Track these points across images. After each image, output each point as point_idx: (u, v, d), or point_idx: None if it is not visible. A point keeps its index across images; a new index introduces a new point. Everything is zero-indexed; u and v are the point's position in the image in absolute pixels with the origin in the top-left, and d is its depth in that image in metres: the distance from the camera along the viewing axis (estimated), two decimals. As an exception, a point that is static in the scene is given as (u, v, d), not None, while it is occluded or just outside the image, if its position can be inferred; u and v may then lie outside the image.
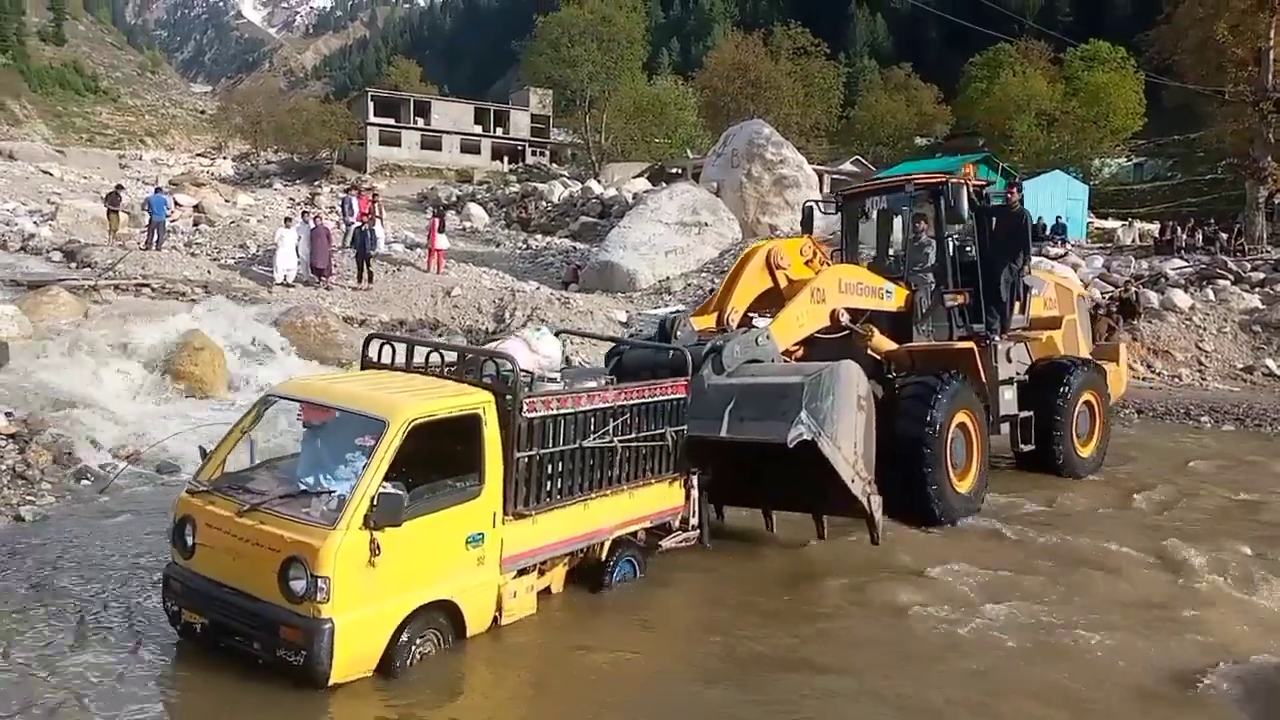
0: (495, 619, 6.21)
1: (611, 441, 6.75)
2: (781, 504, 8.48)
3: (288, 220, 23.23)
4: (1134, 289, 21.59)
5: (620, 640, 6.54)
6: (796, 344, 9.41)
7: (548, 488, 6.39)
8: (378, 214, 25.23)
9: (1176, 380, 19.33)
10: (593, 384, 7.11)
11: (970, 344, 10.22)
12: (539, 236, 32.48)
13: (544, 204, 38.69)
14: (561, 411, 6.41)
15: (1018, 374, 10.92)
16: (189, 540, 5.74)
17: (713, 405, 7.52)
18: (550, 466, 6.40)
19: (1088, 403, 11.62)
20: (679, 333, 8.24)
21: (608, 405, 6.78)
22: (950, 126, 64.04)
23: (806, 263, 10.07)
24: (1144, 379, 19.23)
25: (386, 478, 5.51)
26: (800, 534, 8.56)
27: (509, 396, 6.07)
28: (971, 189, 10.75)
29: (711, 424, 7.42)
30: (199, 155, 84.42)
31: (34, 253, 24.22)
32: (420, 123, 70.53)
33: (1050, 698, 5.85)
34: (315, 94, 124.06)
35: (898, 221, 11.63)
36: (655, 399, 7.18)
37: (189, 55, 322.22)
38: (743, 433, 7.37)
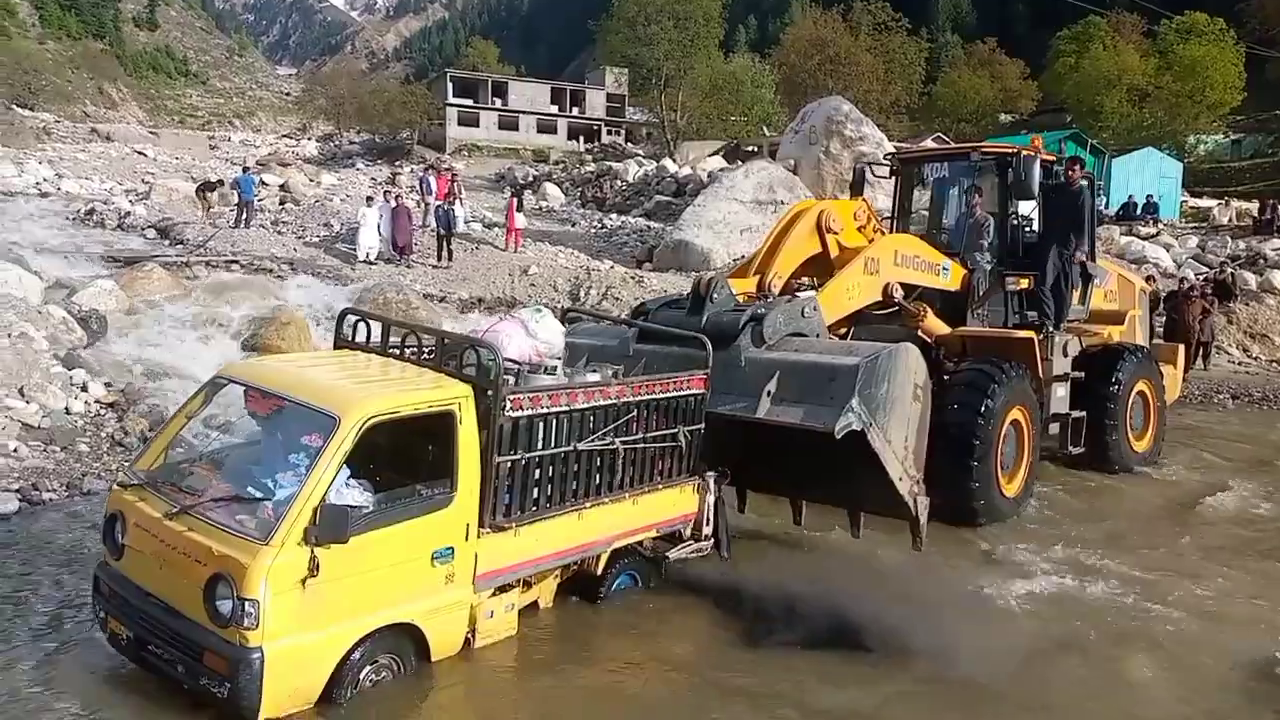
0: (468, 640, 5.52)
1: (612, 444, 5.96)
2: (813, 496, 7.65)
3: (370, 199, 23.70)
4: (1230, 270, 20.78)
5: (611, 666, 5.89)
6: (841, 319, 8.69)
7: (534, 496, 5.62)
8: (457, 193, 25.58)
9: (1276, 365, 18.58)
10: (594, 377, 6.26)
11: (1030, 334, 9.54)
12: (614, 215, 32.51)
13: (619, 183, 38.69)
14: (553, 410, 5.59)
15: (1071, 369, 10.10)
16: (118, 539, 5.13)
17: (749, 381, 6.65)
18: (538, 472, 5.61)
19: (1141, 393, 10.80)
20: (715, 295, 7.38)
21: (610, 402, 5.95)
22: (1037, 103, 62.27)
23: (859, 228, 9.34)
24: (1240, 364, 18.55)
25: (355, 479, 4.95)
26: (830, 529, 7.81)
27: (490, 392, 5.29)
28: (1043, 163, 9.98)
29: (745, 402, 6.57)
30: (285, 136, 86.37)
31: (130, 230, 25.13)
32: (498, 103, 71.12)
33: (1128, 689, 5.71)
34: (396, 75, 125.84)
35: (954, 193, 10.82)
36: (667, 395, 6.31)
37: (274, 38, 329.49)
38: (783, 416, 6.45)
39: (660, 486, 6.45)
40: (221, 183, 29.04)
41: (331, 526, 4.57)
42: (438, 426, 5.21)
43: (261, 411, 5.40)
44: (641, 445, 6.20)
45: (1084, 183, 10.46)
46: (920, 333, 9.15)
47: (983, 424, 8.32)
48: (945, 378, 8.70)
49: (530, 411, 5.47)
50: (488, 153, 62.14)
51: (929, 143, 38.74)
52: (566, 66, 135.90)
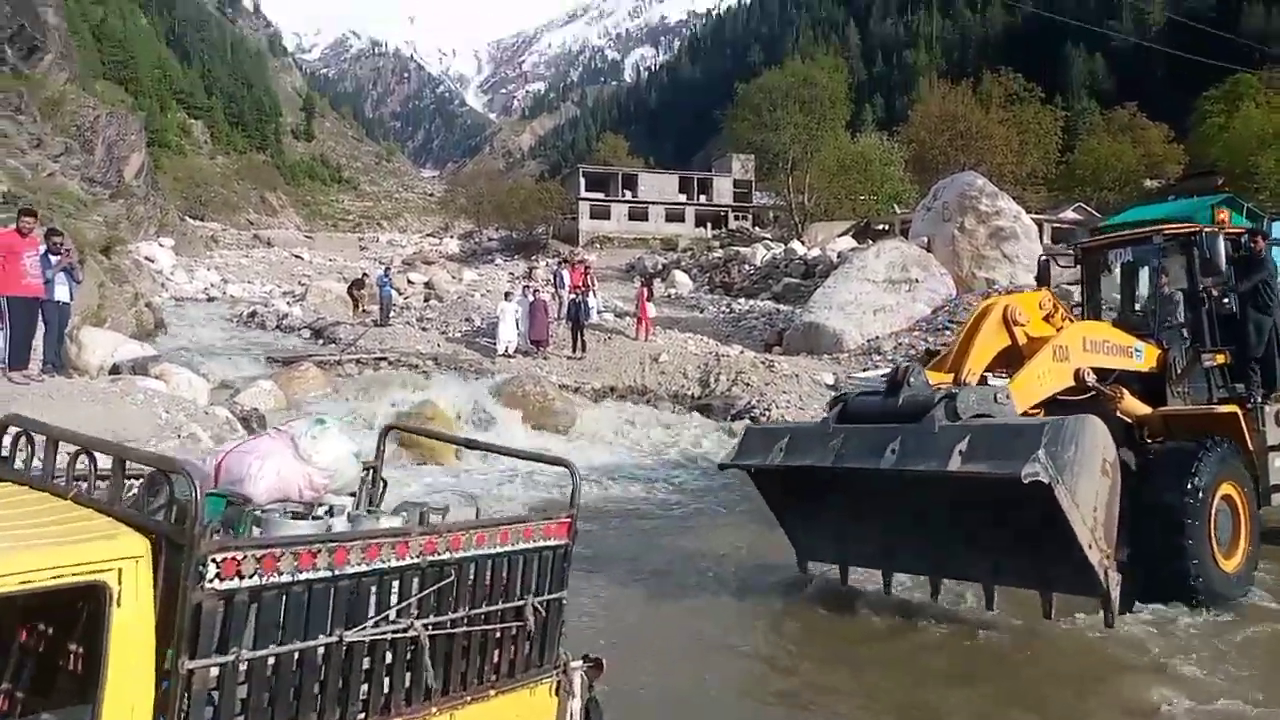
0: None
1: (409, 627, 3.37)
2: (1004, 579, 7.57)
3: (508, 295, 24.63)
4: None
5: None
6: (1035, 406, 8.67)
7: None
8: (591, 285, 26.33)
9: None
10: (387, 523, 3.93)
11: (1234, 407, 9.25)
12: (742, 300, 32.73)
13: (746, 267, 39.01)
14: (302, 577, 3.06)
15: None
16: None
17: (940, 447, 7.02)
18: (274, 682, 3.07)
19: None
20: (911, 380, 7.77)
21: (408, 563, 3.37)
22: (1183, 166, 59.86)
23: (1046, 318, 9.42)
24: None
25: None
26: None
27: (183, 546, 2.83)
28: (1228, 235, 9.86)
29: (937, 461, 6.94)
30: (428, 235, 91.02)
31: (288, 330, 26.82)
32: (628, 194, 73.19)
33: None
34: (531, 173, 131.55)
35: (1143, 274, 10.81)
36: (506, 549, 3.75)
37: (419, 143, 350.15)
38: (972, 468, 6.81)
39: (493, 692, 3.80)
40: (366, 275, 31.10)
41: None
42: (82, 611, 3.05)
43: None
44: (464, 629, 3.64)
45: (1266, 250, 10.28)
46: (1119, 414, 9.06)
47: (1191, 502, 8.08)
48: (1150, 458, 8.64)
49: (257, 580, 3.02)
50: (618, 243, 63.80)
51: (1070, 213, 37.63)
52: (693, 155, 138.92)
